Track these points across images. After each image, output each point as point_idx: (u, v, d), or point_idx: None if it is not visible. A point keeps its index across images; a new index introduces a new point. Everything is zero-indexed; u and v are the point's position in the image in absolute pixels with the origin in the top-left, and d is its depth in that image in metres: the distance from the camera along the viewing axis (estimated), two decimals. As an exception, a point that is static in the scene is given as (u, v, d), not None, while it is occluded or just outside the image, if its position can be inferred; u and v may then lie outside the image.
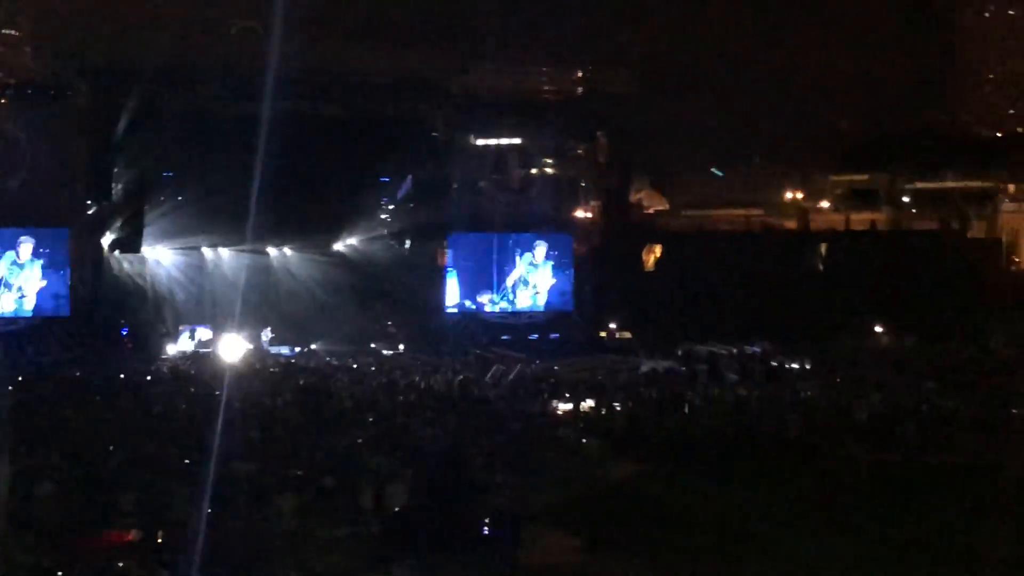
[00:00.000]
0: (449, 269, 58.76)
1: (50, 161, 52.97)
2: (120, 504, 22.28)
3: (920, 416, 33.71)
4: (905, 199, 72.07)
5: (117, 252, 54.57)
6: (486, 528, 22.73)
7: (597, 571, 20.13)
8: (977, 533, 20.86)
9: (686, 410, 34.80)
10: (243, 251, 54.88)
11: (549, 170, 62.65)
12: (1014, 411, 32.96)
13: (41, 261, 51.58)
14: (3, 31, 61.28)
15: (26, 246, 51.43)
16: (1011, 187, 70.09)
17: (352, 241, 57.88)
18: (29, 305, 51.65)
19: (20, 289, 51.54)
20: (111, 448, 26.90)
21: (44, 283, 51.56)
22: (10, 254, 51.51)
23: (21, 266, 51.44)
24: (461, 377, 42.73)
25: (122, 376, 42.45)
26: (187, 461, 24.87)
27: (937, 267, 58.64)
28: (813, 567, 20.36)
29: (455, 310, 58.19)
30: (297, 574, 16.14)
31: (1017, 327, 51.38)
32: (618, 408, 35.04)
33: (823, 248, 63.82)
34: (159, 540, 20.19)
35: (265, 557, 19.94)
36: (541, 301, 59.44)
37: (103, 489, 23.15)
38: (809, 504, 24.94)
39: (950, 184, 71.04)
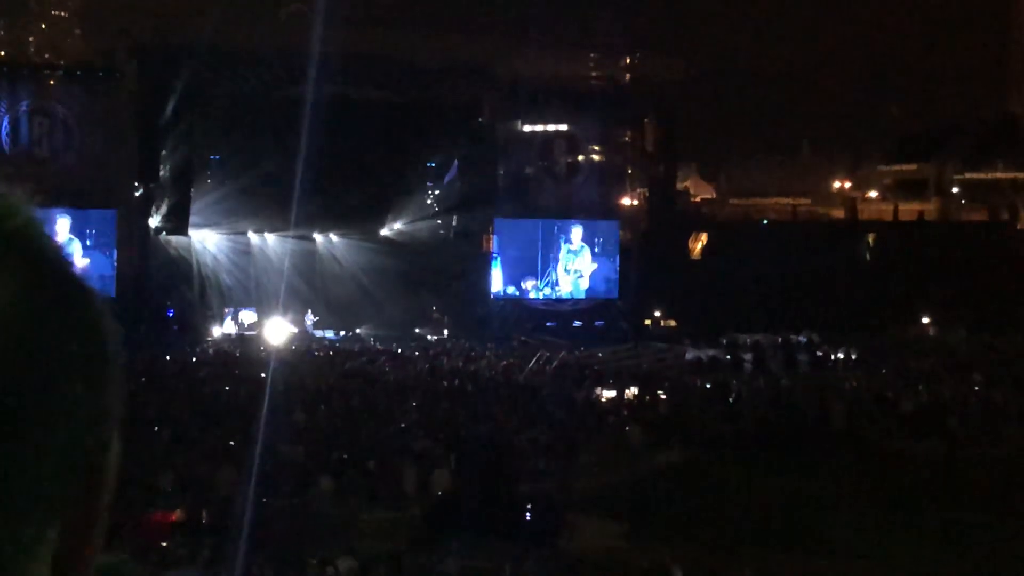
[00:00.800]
0: (494, 255, 58.78)
1: (98, 142, 53.31)
2: (165, 485, 22.42)
3: (967, 408, 33.43)
4: (954, 189, 71.46)
5: (164, 234, 54.90)
6: (529, 514, 22.72)
7: (640, 558, 20.07)
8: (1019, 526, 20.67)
9: (731, 399, 34.64)
10: (289, 237, 55.03)
11: (596, 157, 62.50)
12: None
13: (78, 241, 51.73)
14: (53, 12, 61.66)
15: (63, 224, 51.40)
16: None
17: (398, 226, 57.98)
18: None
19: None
20: (157, 429, 27.04)
21: (87, 262, 51.76)
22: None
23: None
24: (505, 363, 42.74)
25: (168, 357, 42.67)
26: (232, 443, 24.96)
27: (986, 258, 58.09)
28: (858, 557, 20.22)
29: (500, 296, 58.23)
30: (340, 556, 16.16)
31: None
32: (662, 396, 34.93)
33: (871, 238, 63.40)
34: (203, 520, 20.29)
35: (308, 539, 20.00)
36: (585, 288, 59.40)
37: (149, 470, 23.29)
38: (853, 494, 24.80)
39: (999, 175, 70.34)
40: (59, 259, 0.91)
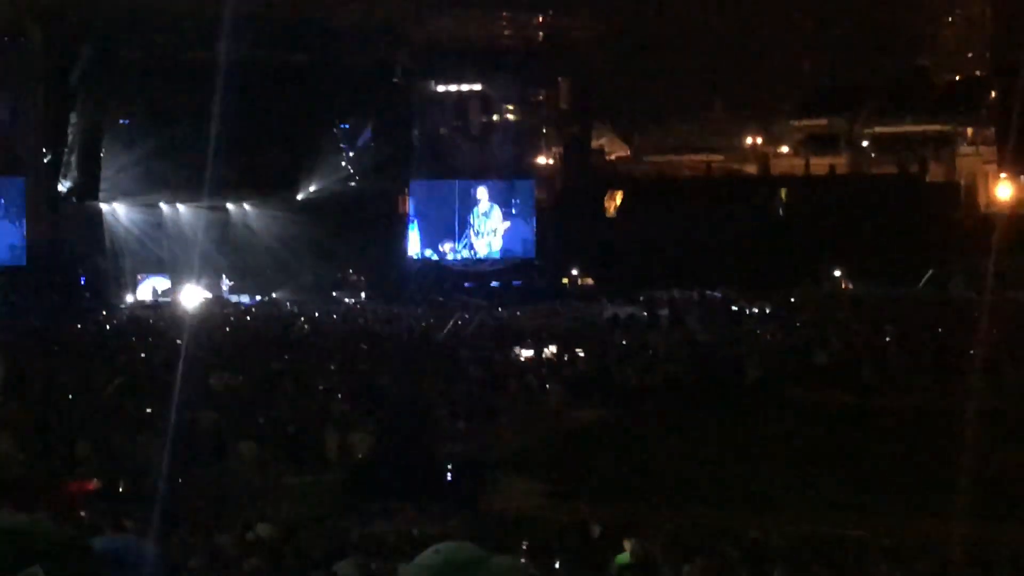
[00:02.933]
0: (411, 219, 58.61)
1: (5, 109, 52.35)
2: (82, 454, 22.20)
3: (880, 359, 33.97)
4: (864, 143, 72.24)
5: (74, 201, 54.08)
6: (450, 475, 22.80)
7: (560, 516, 20.20)
8: (932, 472, 21.04)
9: (648, 355, 34.89)
10: (201, 208, 54.47)
11: (511, 116, 62.44)
12: (972, 352, 33.21)
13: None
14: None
15: None
16: (969, 130, 70.32)
17: (312, 190, 57.55)
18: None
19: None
20: (72, 398, 26.74)
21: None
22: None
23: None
24: (423, 324, 42.70)
25: (80, 326, 42.15)
26: (148, 410, 24.74)
27: (896, 211, 58.87)
28: (775, 509, 20.49)
29: (417, 259, 58.12)
30: (260, 522, 16.12)
31: (974, 270, 51.73)
32: (581, 354, 35.10)
33: (783, 193, 64.00)
34: (120, 489, 20.14)
35: (228, 505, 19.91)
36: (499, 248, 59.43)
37: (65, 440, 23.04)
38: (770, 447, 25.12)
39: (909, 128, 71.18)
40: None
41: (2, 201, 51.40)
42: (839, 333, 38.69)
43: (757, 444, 25.26)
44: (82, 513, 17.35)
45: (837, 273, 57.23)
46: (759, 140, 76.73)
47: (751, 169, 71.29)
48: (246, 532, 15.66)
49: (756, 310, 46.50)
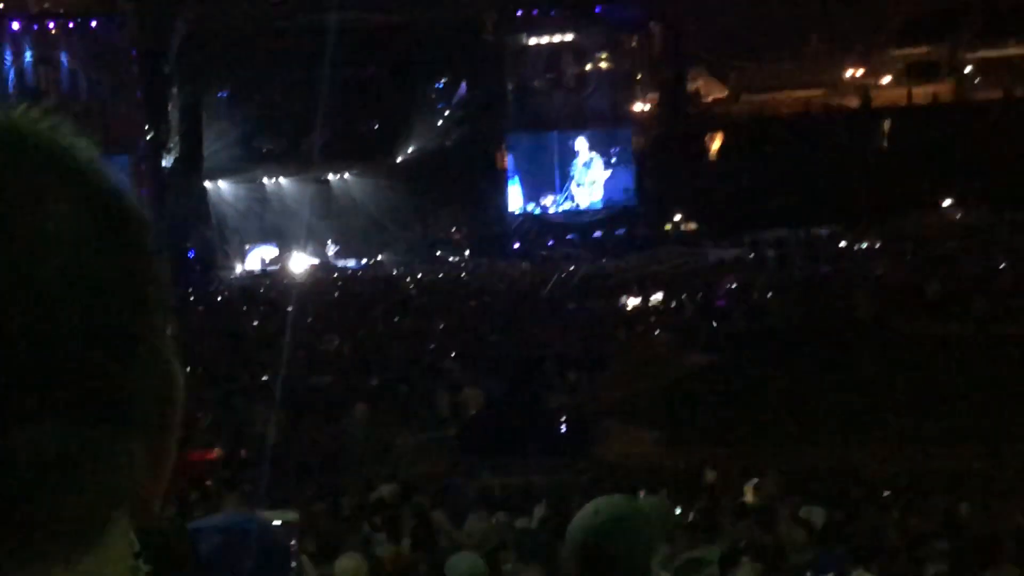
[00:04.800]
0: (511, 174, 58.55)
1: (105, 88, 53.14)
2: (201, 423, 22.59)
3: (992, 288, 33.36)
4: (968, 69, 70.70)
5: (178, 177, 54.84)
6: (561, 426, 22.88)
7: (672, 462, 20.20)
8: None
9: (755, 297, 34.63)
10: (303, 179, 55.06)
11: (604, 65, 62.03)
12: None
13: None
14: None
15: None
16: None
17: (411, 151, 57.75)
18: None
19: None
20: (188, 369, 27.21)
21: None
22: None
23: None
24: (528, 279, 42.79)
25: (191, 298, 42.85)
26: (264, 377, 25.12)
27: (1002, 137, 57.61)
28: (893, 447, 20.29)
29: (519, 215, 58.13)
30: (382, 482, 16.30)
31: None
32: (687, 300, 34.95)
33: (886, 125, 62.91)
34: (242, 456, 20.48)
35: (347, 467, 20.18)
36: (600, 198, 59.25)
37: (185, 410, 23.45)
38: (884, 383, 24.84)
39: (1013, 51, 69.50)
40: (124, 195, 0.92)
41: (113, 181, 52.20)
42: (950, 264, 38.06)
43: (871, 381, 24.99)
44: (207, 482, 17.67)
45: (946, 203, 56.24)
46: (859, 72, 75.42)
47: (852, 102, 70.09)
48: (369, 493, 15.84)
49: (864, 245, 45.89)
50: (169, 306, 0.94)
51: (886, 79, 73.35)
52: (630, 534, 3.37)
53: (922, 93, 66.83)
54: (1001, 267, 36.77)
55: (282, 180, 56.02)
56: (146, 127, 53.63)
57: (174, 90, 53.92)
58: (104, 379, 0.82)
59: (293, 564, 1.40)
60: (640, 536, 3.41)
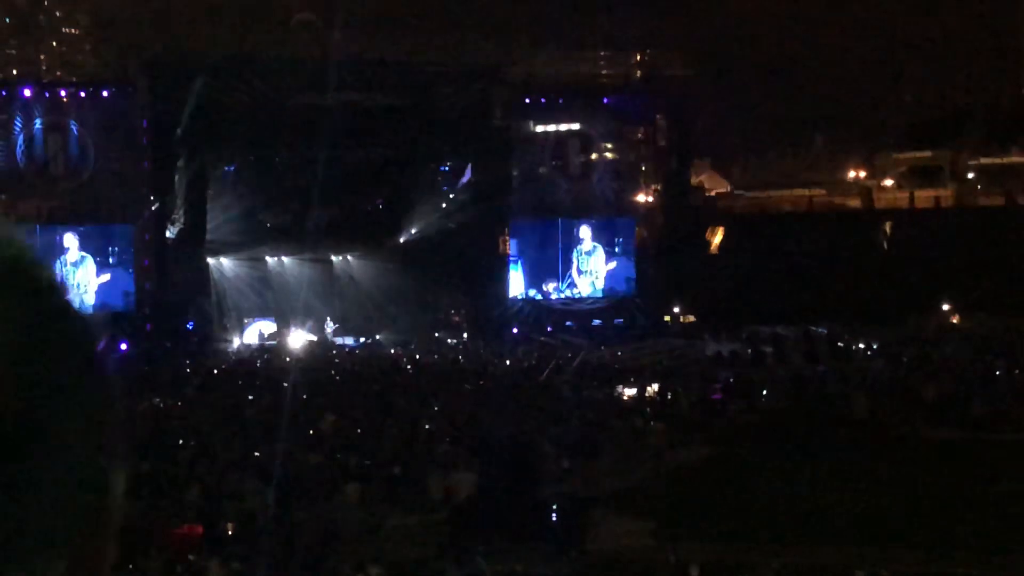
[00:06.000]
0: (513, 259, 58.66)
1: (113, 158, 53.41)
2: (191, 498, 22.46)
3: (990, 393, 33.32)
4: (970, 175, 71.17)
5: (181, 249, 54.95)
6: (555, 515, 22.72)
7: (667, 556, 20.04)
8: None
9: (752, 393, 34.59)
10: (306, 259, 55.34)
11: (609, 155, 62.42)
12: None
13: (91, 258, 51.81)
14: (64, 29, 61.86)
15: (72, 242, 51.63)
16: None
17: (414, 232, 57.93)
18: (89, 300, 51.64)
19: (78, 286, 51.49)
20: (180, 442, 27.11)
21: (107, 278, 51.83)
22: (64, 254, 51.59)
23: (76, 264, 51.47)
24: (526, 364, 42.74)
25: (188, 371, 42.79)
26: (256, 453, 25.02)
27: (1004, 242, 57.88)
28: (891, 549, 20.14)
29: (520, 299, 58.19)
30: (369, 564, 16.19)
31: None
32: (684, 392, 34.88)
33: (887, 226, 63.20)
34: (230, 532, 20.34)
35: (335, 547, 20.03)
36: (601, 287, 59.37)
37: (175, 483, 23.35)
38: (880, 484, 24.72)
39: (1015, 159, 70.02)
40: (55, 290, 0.91)
41: (116, 249, 52.32)
42: (947, 367, 38.04)
43: (865, 481, 24.88)
44: (191, 557, 17.55)
45: (945, 307, 56.34)
46: (862, 173, 75.90)
47: (854, 203, 70.45)
48: (356, 574, 15.73)
49: (862, 345, 45.89)
50: (106, 409, 0.92)
51: (888, 181, 73.82)
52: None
53: (924, 196, 67.19)
54: (997, 372, 36.75)
55: (284, 259, 56.17)
56: (151, 198, 53.85)
57: (181, 162, 54.19)
58: None
59: None
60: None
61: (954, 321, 55.02)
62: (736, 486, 24.95)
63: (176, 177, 54.61)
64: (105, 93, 53.52)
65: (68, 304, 0.91)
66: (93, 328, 0.93)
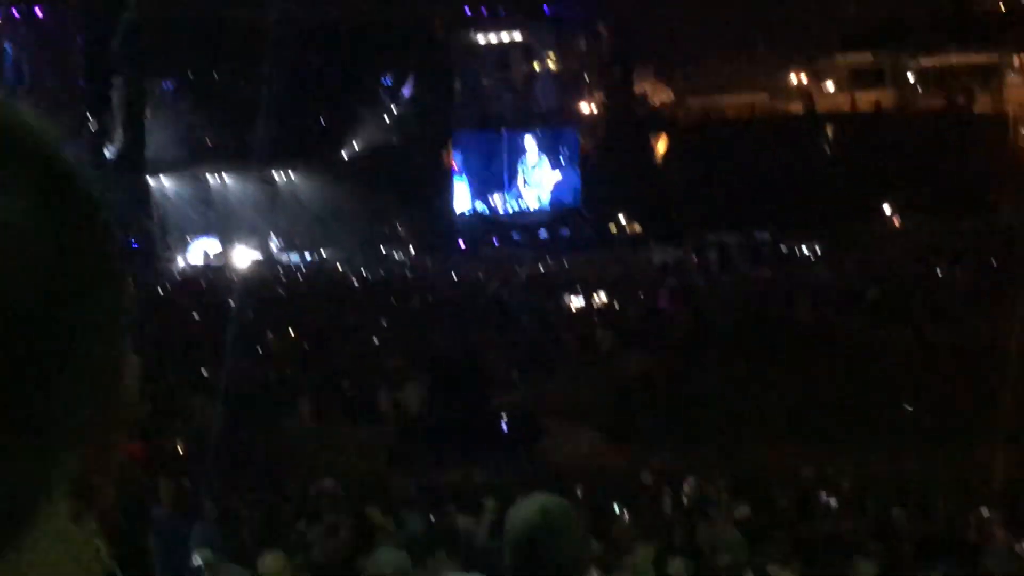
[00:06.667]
0: (458, 172, 58.48)
1: (49, 77, 52.61)
2: (139, 417, 22.45)
3: (931, 293, 33.77)
4: (910, 77, 71.40)
5: (120, 169, 54.29)
6: (505, 425, 22.92)
7: (619, 462, 20.31)
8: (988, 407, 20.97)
9: (699, 299, 34.84)
10: (248, 178, 54.73)
11: (552, 65, 62.16)
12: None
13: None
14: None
15: None
16: (1017, 60, 69.33)
17: (357, 149, 57.54)
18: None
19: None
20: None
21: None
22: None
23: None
24: (472, 277, 42.80)
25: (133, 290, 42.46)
26: (203, 371, 25.00)
27: (944, 145, 58.28)
28: (834, 448, 20.48)
29: (467, 213, 58.10)
30: (321, 479, 16.28)
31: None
32: (630, 301, 35.10)
33: (829, 130, 63.45)
34: (179, 451, 20.37)
35: (286, 463, 20.12)
36: (548, 199, 59.38)
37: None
38: (823, 387, 25.09)
39: (955, 60, 70.28)
40: (76, 175, 0.88)
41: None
42: (889, 270, 38.46)
43: (809, 385, 25.23)
44: (142, 476, 17.56)
45: (887, 209, 56.79)
46: (803, 77, 75.97)
47: (796, 107, 70.61)
48: (307, 489, 15.82)
49: (806, 250, 46.26)
50: (126, 294, 0.89)
51: (829, 85, 73.96)
52: (573, 533, 3.44)
53: (865, 99, 67.41)
54: (939, 274, 37.22)
55: (226, 178, 55.61)
56: (89, 117, 53.08)
57: (118, 81, 53.37)
58: (25, 389, 0.79)
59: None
60: (580, 535, 3.51)
61: (895, 224, 55.51)
62: (683, 393, 25.22)
63: (113, 95, 53.82)
64: (39, 11, 52.54)
65: (89, 189, 0.88)
66: (110, 217, 0.90)
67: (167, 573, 8.66)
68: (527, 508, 3.46)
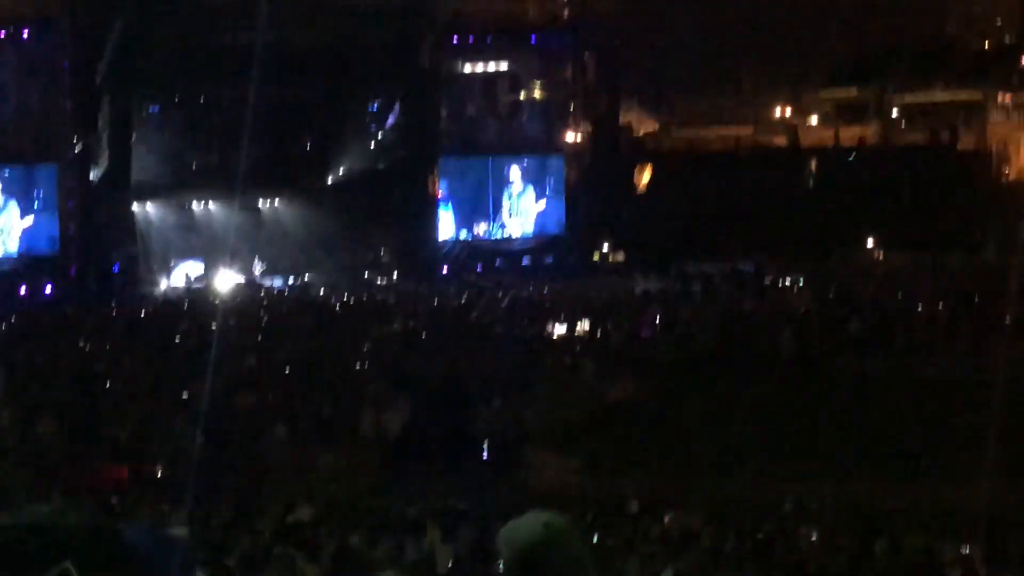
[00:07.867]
0: (444, 200, 58.41)
1: (36, 97, 52.54)
2: (119, 439, 22.36)
3: (913, 326, 33.86)
4: (894, 112, 71.80)
5: (105, 190, 54.14)
6: (486, 452, 22.88)
7: (597, 491, 20.25)
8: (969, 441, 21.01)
9: (681, 329, 34.86)
10: (232, 205, 54.52)
11: (538, 94, 62.30)
12: (1007, 320, 33.10)
13: (15, 201, 51.10)
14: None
15: None
16: (1000, 97, 69.78)
17: (342, 174, 57.44)
18: (13, 245, 51.03)
19: (1, 231, 50.82)
20: (108, 383, 26.92)
21: (31, 221, 51.11)
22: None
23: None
24: (455, 303, 42.76)
25: (114, 313, 42.36)
26: (184, 394, 24.89)
27: (927, 180, 58.55)
28: (815, 481, 20.46)
29: (451, 240, 58.07)
30: (299, 504, 16.21)
31: (1008, 236, 51.40)
32: (613, 329, 35.10)
33: (813, 164, 63.71)
34: (159, 474, 20.29)
35: (265, 487, 20.04)
36: (531, 229, 59.43)
37: (101, 424, 23.22)
38: (807, 418, 25.07)
39: (939, 96, 70.71)
40: None
41: (41, 192, 51.55)
42: (872, 302, 38.55)
43: (792, 414, 25.23)
44: (115, 498, 17.48)
45: (869, 243, 56.97)
46: (788, 111, 76.36)
47: (780, 141, 70.93)
48: (285, 515, 15.73)
49: (789, 282, 46.36)
50: None
51: (814, 119, 74.37)
52: (576, 549, 3.38)
53: (849, 134, 67.76)
54: (920, 307, 37.33)
55: (211, 205, 55.30)
56: (75, 138, 52.97)
57: (105, 102, 53.27)
58: None
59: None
60: (583, 553, 3.44)
61: (878, 258, 55.68)
62: (664, 422, 25.21)
63: (99, 117, 53.71)
64: (26, 32, 52.48)
65: None
66: None
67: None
68: (527, 525, 3.39)
